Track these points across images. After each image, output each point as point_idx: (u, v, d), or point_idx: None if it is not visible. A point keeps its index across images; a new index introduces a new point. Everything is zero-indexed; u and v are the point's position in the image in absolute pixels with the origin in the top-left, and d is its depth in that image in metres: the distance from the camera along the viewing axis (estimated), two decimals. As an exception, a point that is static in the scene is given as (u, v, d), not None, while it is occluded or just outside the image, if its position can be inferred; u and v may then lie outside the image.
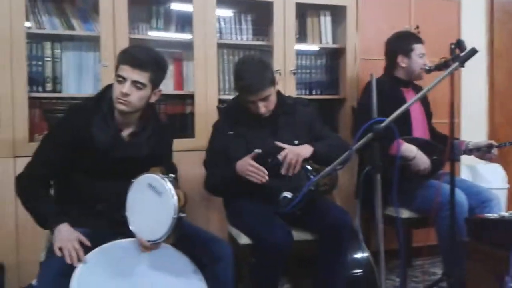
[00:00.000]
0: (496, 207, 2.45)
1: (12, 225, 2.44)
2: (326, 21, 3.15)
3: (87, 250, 1.68)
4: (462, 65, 1.98)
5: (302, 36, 3.10)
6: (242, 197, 2.20)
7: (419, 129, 2.67)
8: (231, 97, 2.52)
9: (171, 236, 1.65)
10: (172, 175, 1.73)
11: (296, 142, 2.22)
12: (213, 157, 2.29)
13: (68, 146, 1.81)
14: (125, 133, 1.90)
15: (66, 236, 1.68)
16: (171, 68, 2.84)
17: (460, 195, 2.33)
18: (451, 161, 2.14)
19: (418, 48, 2.67)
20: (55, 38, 2.66)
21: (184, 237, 1.74)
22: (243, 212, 2.21)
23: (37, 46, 2.63)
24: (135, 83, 1.79)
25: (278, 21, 2.89)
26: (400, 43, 2.71)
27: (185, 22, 2.87)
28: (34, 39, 2.60)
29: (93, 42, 2.68)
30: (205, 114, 2.73)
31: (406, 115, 2.59)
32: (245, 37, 2.99)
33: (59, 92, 2.67)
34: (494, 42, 3.74)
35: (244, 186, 2.11)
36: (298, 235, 2.16)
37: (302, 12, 3.06)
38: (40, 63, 2.63)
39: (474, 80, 3.61)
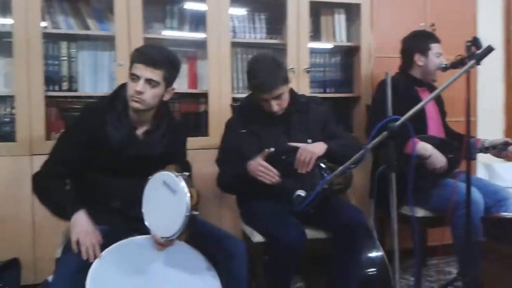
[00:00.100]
0: (512, 206, 2.42)
1: (29, 221, 2.48)
2: (340, 19, 3.13)
3: (102, 246, 1.70)
4: (478, 63, 1.96)
5: (316, 34, 3.09)
6: (255, 195, 2.20)
7: (435, 128, 2.65)
8: (244, 95, 2.53)
9: (184, 233, 1.66)
10: (187, 173, 1.73)
11: (310, 140, 2.21)
12: (226, 154, 2.29)
13: (84, 145, 1.83)
14: (140, 131, 1.92)
15: (85, 228, 1.70)
16: (185, 67, 2.86)
17: (476, 194, 2.31)
18: (467, 160, 2.12)
19: (435, 47, 2.64)
20: (71, 38, 2.69)
21: (198, 234, 1.75)
22: (257, 211, 2.20)
23: (53, 46, 2.66)
24: (148, 81, 1.80)
25: (291, 19, 2.88)
26: (417, 42, 2.68)
27: (199, 21, 2.88)
28: (50, 38, 2.63)
29: (108, 42, 2.70)
30: (219, 113, 2.74)
31: (422, 113, 2.57)
32: (259, 36, 2.99)
33: (75, 91, 2.70)
34: (510, 39, 3.69)
35: (257, 185, 2.11)
36: (311, 233, 2.15)
37: (316, 10, 3.05)
38: (56, 62, 2.66)
39: (490, 77, 3.56)
